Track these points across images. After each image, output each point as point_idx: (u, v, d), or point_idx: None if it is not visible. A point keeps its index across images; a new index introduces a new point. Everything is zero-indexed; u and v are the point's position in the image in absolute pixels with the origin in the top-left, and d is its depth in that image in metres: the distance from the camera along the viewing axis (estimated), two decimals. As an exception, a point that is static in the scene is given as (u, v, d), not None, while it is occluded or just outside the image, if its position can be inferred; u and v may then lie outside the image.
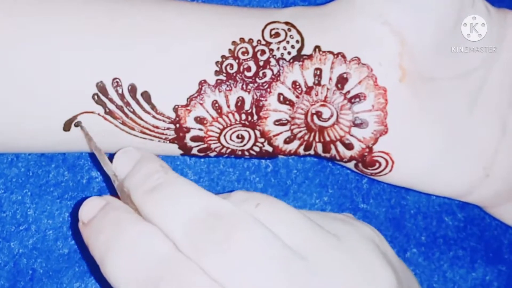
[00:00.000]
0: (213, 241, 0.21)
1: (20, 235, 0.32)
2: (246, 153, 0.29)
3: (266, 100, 0.28)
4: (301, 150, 0.29)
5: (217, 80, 0.27)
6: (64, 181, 0.33)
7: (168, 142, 0.28)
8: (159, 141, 0.28)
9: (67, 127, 0.28)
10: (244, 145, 0.29)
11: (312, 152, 0.30)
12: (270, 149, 0.29)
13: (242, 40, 0.28)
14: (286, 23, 0.28)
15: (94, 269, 0.32)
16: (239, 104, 0.28)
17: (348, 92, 0.28)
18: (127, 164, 0.26)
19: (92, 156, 0.33)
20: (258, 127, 0.28)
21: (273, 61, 0.28)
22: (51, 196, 0.33)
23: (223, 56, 0.28)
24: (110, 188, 0.33)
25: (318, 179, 0.33)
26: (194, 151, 0.29)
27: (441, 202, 0.34)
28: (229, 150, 0.29)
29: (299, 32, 0.28)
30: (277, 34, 0.28)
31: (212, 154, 0.29)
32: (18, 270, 0.32)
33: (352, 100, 0.28)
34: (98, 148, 0.27)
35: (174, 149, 0.29)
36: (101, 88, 0.27)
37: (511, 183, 0.30)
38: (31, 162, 0.33)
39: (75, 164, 0.33)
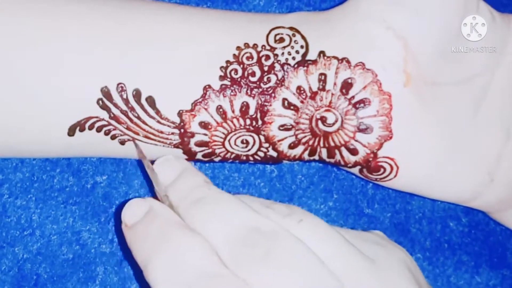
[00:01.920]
0: (255, 256, 0.21)
1: (24, 240, 0.32)
2: (251, 158, 0.29)
3: (270, 105, 0.28)
4: (305, 155, 0.29)
5: (222, 85, 0.27)
6: (69, 186, 0.33)
7: (172, 147, 0.28)
8: (163, 146, 0.28)
9: (71, 132, 0.28)
10: (249, 150, 0.29)
11: (316, 157, 0.29)
12: (274, 154, 0.29)
13: (246, 45, 0.28)
14: (291, 28, 0.28)
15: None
16: (243, 109, 0.28)
17: (353, 97, 0.28)
18: (169, 173, 0.26)
19: (97, 159, 0.33)
20: (262, 132, 0.28)
21: (277, 66, 0.28)
22: (55, 201, 0.33)
23: (227, 61, 0.28)
24: (115, 193, 0.33)
25: (323, 184, 0.33)
26: (199, 156, 0.29)
27: (445, 207, 0.34)
28: (233, 155, 0.29)
29: (303, 37, 0.28)
30: (282, 39, 0.28)
31: (217, 159, 0.29)
32: (22, 275, 0.32)
33: (357, 106, 0.28)
34: (151, 166, 0.27)
35: (178, 154, 0.29)
36: (106, 93, 0.27)
37: None
38: (36, 167, 0.33)
39: (79, 169, 0.33)
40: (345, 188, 0.33)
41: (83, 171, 0.33)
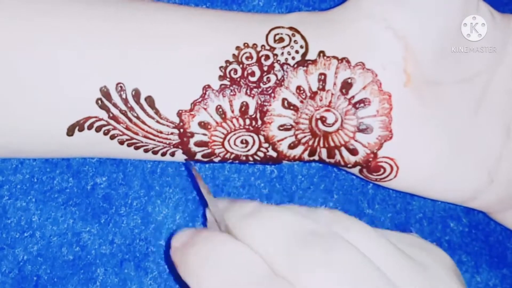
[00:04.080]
0: (313, 257, 0.21)
1: (24, 241, 0.32)
2: (251, 158, 0.29)
3: (270, 105, 0.28)
4: (305, 156, 0.29)
5: (221, 85, 0.27)
6: (69, 187, 0.33)
7: (172, 147, 0.28)
8: (163, 146, 0.28)
9: (70, 132, 0.28)
10: (248, 150, 0.29)
11: (316, 157, 0.29)
12: (274, 154, 0.29)
13: (246, 45, 0.28)
14: (290, 28, 0.28)
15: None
16: (243, 109, 0.28)
17: (353, 97, 0.28)
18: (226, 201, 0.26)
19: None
20: (262, 132, 0.28)
21: (277, 66, 0.28)
22: (55, 203, 0.32)
23: (227, 61, 0.28)
24: (115, 195, 0.33)
25: (323, 184, 0.33)
26: (198, 156, 0.29)
27: (446, 207, 0.34)
28: (233, 155, 0.29)
29: (303, 37, 0.28)
30: (281, 39, 0.28)
31: (217, 160, 0.29)
32: (22, 277, 0.32)
33: (357, 106, 0.28)
34: (205, 186, 0.27)
35: (178, 154, 0.29)
36: (105, 92, 0.27)
37: None
38: (36, 168, 0.33)
39: (79, 170, 0.33)
40: (345, 188, 0.33)
41: (83, 172, 0.33)
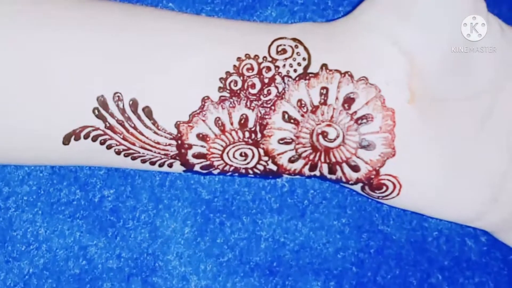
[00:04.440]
0: None
1: (30, 254, 0.32)
2: (250, 171, 0.29)
3: (270, 118, 0.27)
4: (306, 170, 0.28)
5: (221, 96, 0.27)
6: (76, 199, 0.32)
7: (169, 158, 0.28)
8: (161, 157, 0.28)
9: (66, 141, 0.27)
10: (248, 163, 0.28)
11: (317, 173, 0.29)
12: (274, 167, 0.28)
13: (247, 56, 0.27)
14: (294, 39, 0.28)
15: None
16: (242, 121, 0.27)
17: (355, 112, 0.27)
18: None
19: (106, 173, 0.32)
20: (261, 145, 0.27)
21: (278, 79, 0.27)
22: (62, 215, 0.32)
23: (227, 72, 0.27)
24: (122, 207, 0.32)
25: (336, 199, 0.32)
26: (197, 168, 0.28)
27: (463, 225, 0.33)
28: (232, 167, 0.28)
29: (306, 49, 0.27)
30: (284, 51, 0.27)
31: (216, 172, 0.29)
32: (28, 290, 0.31)
33: (359, 121, 0.27)
34: None
35: (176, 166, 0.28)
36: (102, 102, 0.26)
37: None
38: (43, 180, 0.32)
39: (87, 182, 0.32)
40: (359, 204, 0.32)
41: (91, 184, 0.32)
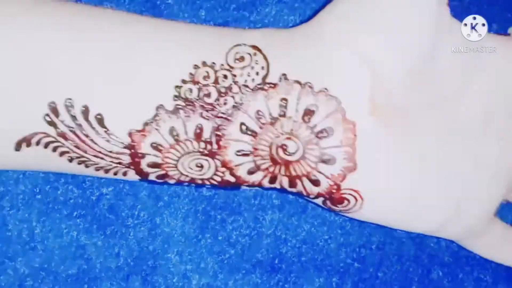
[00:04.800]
0: None
1: (26, 254, 0.31)
2: (207, 182, 0.28)
3: (226, 129, 0.26)
4: (265, 182, 0.28)
5: (176, 105, 0.26)
6: (73, 198, 0.31)
7: (123, 167, 0.27)
8: (115, 166, 0.27)
9: (18, 146, 0.26)
10: (204, 174, 0.27)
11: (277, 185, 0.28)
12: (232, 179, 0.27)
13: (204, 64, 0.26)
14: (253, 46, 0.27)
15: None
16: (197, 132, 0.26)
17: (315, 125, 0.26)
18: None
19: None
20: (218, 157, 0.27)
21: (235, 88, 0.26)
22: (59, 214, 0.31)
23: (183, 80, 0.26)
24: (121, 205, 0.31)
25: (338, 194, 0.32)
26: (152, 177, 0.27)
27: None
28: (188, 178, 0.28)
29: (265, 57, 0.26)
30: (242, 58, 0.26)
31: (172, 181, 0.28)
32: (23, 291, 0.31)
33: (319, 135, 0.26)
34: None
35: (131, 174, 0.27)
36: (53, 108, 0.25)
37: (483, 218, 0.29)
38: (39, 178, 0.31)
39: (84, 180, 0.32)
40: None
41: (88, 182, 0.32)
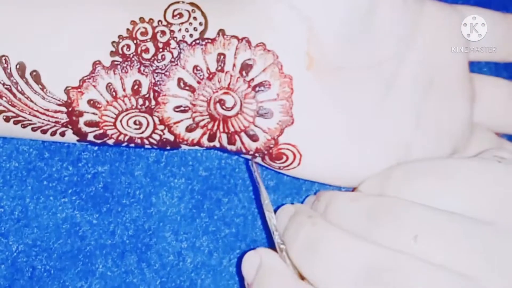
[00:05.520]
0: None
1: (19, 231, 0.31)
2: (146, 141, 0.28)
3: (164, 85, 0.26)
4: (205, 141, 0.28)
5: (113, 61, 0.26)
6: (68, 175, 0.31)
7: (61, 126, 0.27)
8: (53, 125, 0.27)
9: None
10: (143, 132, 0.27)
11: (217, 143, 0.28)
12: (171, 137, 0.28)
13: (142, 20, 0.26)
14: (191, 3, 0.27)
15: None
16: (135, 87, 0.26)
17: (252, 79, 0.26)
18: (284, 220, 0.26)
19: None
20: (156, 114, 0.27)
21: (173, 43, 0.26)
22: (53, 191, 0.31)
23: (120, 36, 0.26)
24: (117, 184, 0.31)
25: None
26: (90, 137, 0.27)
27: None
28: (127, 137, 0.28)
29: (203, 14, 0.27)
30: (180, 15, 0.27)
31: (110, 142, 0.28)
32: (16, 268, 0.30)
33: (256, 89, 0.26)
34: (265, 193, 0.27)
35: (69, 134, 0.27)
36: None
37: None
38: (33, 154, 0.31)
39: (79, 158, 0.31)
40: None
41: (84, 159, 0.31)
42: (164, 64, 0.26)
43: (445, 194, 0.24)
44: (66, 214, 0.31)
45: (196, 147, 0.28)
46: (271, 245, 0.29)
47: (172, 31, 0.26)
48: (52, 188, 0.31)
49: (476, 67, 0.33)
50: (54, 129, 0.27)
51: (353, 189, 0.28)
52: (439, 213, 0.23)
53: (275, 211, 0.28)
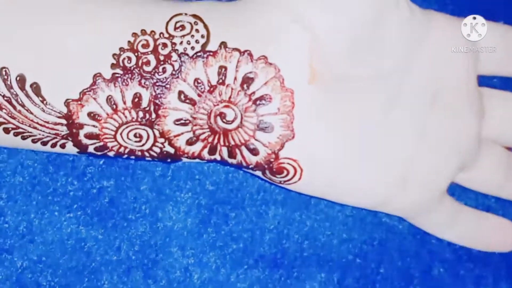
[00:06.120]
0: None
1: (24, 247, 0.30)
2: (146, 154, 0.28)
3: (165, 98, 0.26)
4: (205, 154, 0.27)
5: (113, 74, 0.26)
6: (73, 190, 0.31)
7: (61, 138, 0.27)
8: (53, 137, 0.27)
9: None
10: (143, 145, 0.27)
11: (218, 157, 0.28)
12: (171, 150, 0.27)
13: (143, 32, 0.26)
14: (194, 15, 0.27)
15: None
16: (136, 100, 0.26)
17: (254, 93, 0.26)
18: None
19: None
20: (156, 126, 0.26)
21: (174, 56, 0.26)
22: (58, 206, 0.31)
23: (121, 49, 0.26)
24: (122, 198, 0.31)
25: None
26: (91, 149, 0.27)
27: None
28: (127, 149, 0.27)
29: (206, 26, 0.26)
30: (182, 27, 0.26)
31: (111, 154, 0.28)
32: (21, 285, 0.30)
33: (257, 102, 0.26)
34: None
35: (69, 147, 0.27)
36: None
37: (431, 191, 0.29)
38: (37, 169, 0.31)
39: (85, 172, 0.31)
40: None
41: (89, 174, 0.31)
42: (165, 77, 0.26)
43: None
44: (71, 229, 0.31)
45: (197, 160, 0.28)
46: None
47: (173, 44, 0.26)
48: (57, 203, 0.31)
49: (485, 78, 0.32)
50: (54, 141, 0.27)
51: None
52: None
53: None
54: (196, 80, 0.26)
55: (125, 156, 0.28)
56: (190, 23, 0.26)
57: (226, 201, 0.31)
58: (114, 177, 0.31)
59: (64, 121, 0.26)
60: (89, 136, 0.26)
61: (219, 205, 0.31)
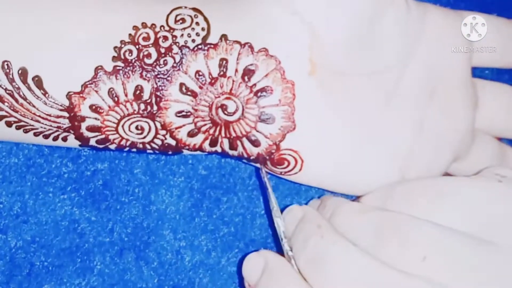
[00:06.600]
0: None
1: (18, 228, 0.31)
2: (148, 146, 0.28)
3: (166, 90, 0.26)
4: (206, 146, 0.28)
5: (115, 66, 0.26)
6: (67, 172, 0.31)
7: (63, 131, 0.27)
8: (55, 130, 0.27)
9: None
10: (144, 137, 0.27)
11: (219, 148, 0.28)
12: (173, 142, 0.28)
13: (144, 25, 0.26)
14: (194, 9, 0.27)
15: None
16: (137, 93, 0.26)
17: (255, 85, 0.26)
18: (291, 223, 0.26)
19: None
20: (158, 119, 0.27)
21: (175, 49, 0.26)
22: (52, 188, 0.31)
23: (122, 41, 0.26)
24: (116, 181, 0.31)
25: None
26: (92, 142, 0.27)
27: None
28: (129, 142, 0.28)
29: (206, 19, 0.27)
30: (183, 20, 0.26)
31: (112, 146, 0.28)
32: (15, 264, 0.30)
33: (258, 94, 0.26)
34: (274, 200, 0.27)
35: (71, 139, 0.27)
36: None
37: None
38: (32, 151, 0.31)
39: (79, 155, 0.31)
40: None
41: (83, 157, 0.31)
42: (166, 69, 0.26)
43: (446, 213, 0.23)
44: (65, 211, 0.31)
45: (198, 152, 0.28)
46: (277, 247, 0.29)
47: (174, 36, 0.26)
48: (51, 185, 0.31)
49: (478, 69, 0.33)
50: (56, 134, 0.27)
51: (357, 198, 0.28)
52: (446, 233, 0.22)
53: (281, 210, 0.28)
54: (197, 72, 0.26)
55: (127, 148, 0.28)
56: (191, 16, 0.26)
57: (218, 185, 0.32)
58: (108, 160, 0.32)
59: (66, 114, 0.26)
60: (91, 128, 0.27)
61: (211, 189, 0.32)
